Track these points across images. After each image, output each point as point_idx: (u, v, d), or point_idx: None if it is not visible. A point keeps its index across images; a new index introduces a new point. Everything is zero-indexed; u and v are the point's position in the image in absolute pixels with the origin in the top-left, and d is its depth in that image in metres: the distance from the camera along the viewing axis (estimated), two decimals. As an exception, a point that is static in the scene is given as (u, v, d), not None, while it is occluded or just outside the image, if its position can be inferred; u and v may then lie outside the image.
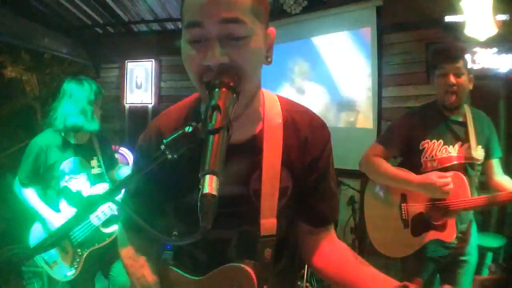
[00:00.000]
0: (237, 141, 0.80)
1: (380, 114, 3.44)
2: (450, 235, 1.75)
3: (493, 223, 2.94)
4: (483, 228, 2.59)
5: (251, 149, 0.82)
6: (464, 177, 1.72)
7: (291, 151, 0.84)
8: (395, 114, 3.33)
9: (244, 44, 0.69)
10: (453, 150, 1.79)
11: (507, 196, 1.67)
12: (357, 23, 3.52)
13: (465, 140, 1.79)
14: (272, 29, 0.78)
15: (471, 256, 1.85)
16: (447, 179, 1.66)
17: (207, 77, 0.69)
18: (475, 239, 1.88)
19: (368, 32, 3.44)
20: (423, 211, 1.82)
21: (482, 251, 2.52)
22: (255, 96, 0.82)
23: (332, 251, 0.91)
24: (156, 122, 0.91)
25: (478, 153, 1.78)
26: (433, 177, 1.69)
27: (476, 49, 2.94)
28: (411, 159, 1.86)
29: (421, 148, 1.81)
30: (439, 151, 1.79)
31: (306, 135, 0.85)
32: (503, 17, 2.73)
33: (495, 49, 2.90)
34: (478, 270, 2.58)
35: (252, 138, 0.83)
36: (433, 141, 1.80)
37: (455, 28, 2.93)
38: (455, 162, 1.78)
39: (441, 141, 1.79)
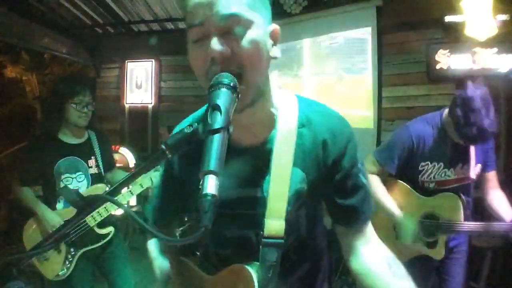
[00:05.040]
0: (249, 145, 0.83)
1: (380, 114, 3.42)
2: (439, 253, 1.75)
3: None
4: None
5: (263, 152, 0.83)
6: (459, 200, 1.72)
7: (306, 154, 0.84)
8: (395, 114, 3.33)
9: (243, 36, 0.70)
10: (451, 174, 1.78)
11: (499, 228, 1.67)
12: (357, 23, 3.51)
13: (465, 161, 1.77)
14: (275, 26, 0.79)
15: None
16: None
17: (212, 73, 0.69)
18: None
19: (368, 32, 3.44)
20: (415, 227, 1.79)
21: (482, 251, 2.52)
22: (265, 94, 0.81)
23: (369, 258, 0.87)
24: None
25: (475, 172, 1.79)
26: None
27: (476, 49, 2.94)
28: (409, 175, 1.84)
29: (420, 168, 1.80)
30: (438, 174, 1.78)
31: (324, 137, 0.84)
32: (503, 17, 2.72)
33: (495, 49, 2.90)
34: (477, 270, 2.59)
35: (264, 141, 0.84)
36: (433, 164, 1.78)
37: (455, 28, 2.93)
38: (452, 186, 1.78)
39: (441, 164, 1.77)
